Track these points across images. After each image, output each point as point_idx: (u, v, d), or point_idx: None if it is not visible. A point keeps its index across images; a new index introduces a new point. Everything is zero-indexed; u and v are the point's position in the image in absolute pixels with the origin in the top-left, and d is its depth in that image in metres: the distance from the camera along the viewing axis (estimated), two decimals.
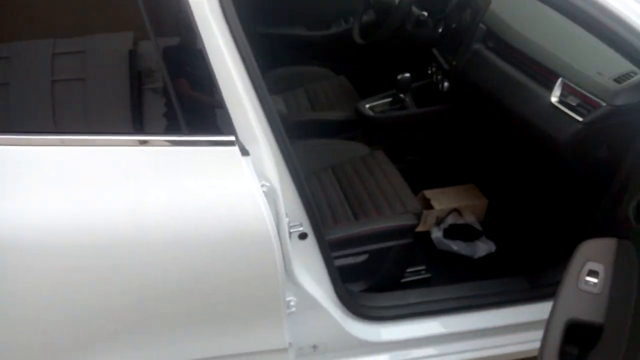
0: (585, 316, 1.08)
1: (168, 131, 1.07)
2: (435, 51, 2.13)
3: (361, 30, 2.54)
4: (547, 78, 1.55)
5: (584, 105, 1.43)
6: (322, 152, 2.01)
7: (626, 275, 1.11)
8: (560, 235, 1.83)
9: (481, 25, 1.86)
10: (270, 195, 1.12)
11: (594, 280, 1.13)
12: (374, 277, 1.67)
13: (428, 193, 2.20)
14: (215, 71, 1.04)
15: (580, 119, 1.43)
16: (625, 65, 1.41)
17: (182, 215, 1.05)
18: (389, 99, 2.25)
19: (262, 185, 1.10)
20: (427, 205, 2.17)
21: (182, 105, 1.05)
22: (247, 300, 1.19)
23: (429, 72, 2.19)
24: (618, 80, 1.39)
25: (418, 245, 2.03)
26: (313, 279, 1.36)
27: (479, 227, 2.11)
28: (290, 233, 1.22)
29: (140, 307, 1.12)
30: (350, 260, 1.61)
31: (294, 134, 2.25)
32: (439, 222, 2.13)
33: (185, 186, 1.04)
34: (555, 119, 1.48)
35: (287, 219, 1.20)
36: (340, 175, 1.88)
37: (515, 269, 1.73)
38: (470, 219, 2.14)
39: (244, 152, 1.06)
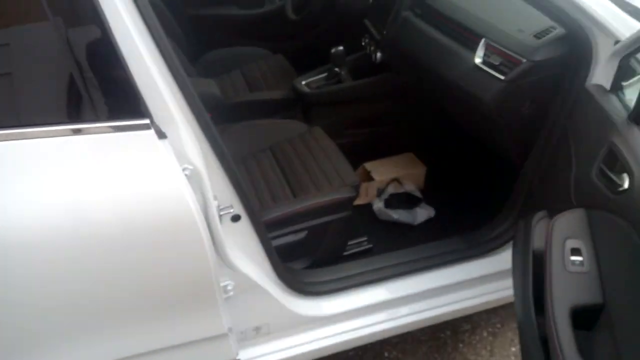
0: (585, 299, 1.08)
1: (80, 119, 1.02)
2: (367, 22, 2.13)
3: (293, 5, 2.51)
4: (471, 40, 1.58)
5: (506, 63, 1.46)
6: (260, 133, 1.99)
7: (609, 248, 1.12)
8: (494, 193, 1.90)
9: None
10: (194, 178, 1.10)
11: (579, 258, 1.14)
12: (315, 253, 1.69)
13: (368, 165, 2.22)
14: (124, 53, 1.00)
15: (502, 77, 1.46)
16: (545, 21, 1.45)
17: (101, 208, 1.01)
18: (325, 74, 2.24)
19: (185, 169, 1.07)
20: (368, 177, 2.20)
21: (91, 90, 1.01)
22: (179, 289, 1.18)
23: (363, 43, 2.19)
24: (538, 36, 1.43)
25: (360, 218, 2.07)
26: (250, 261, 1.36)
27: (418, 194, 2.16)
28: (220, 216, 1.21)
29: (68, 305, 1.08)
30: (290, 239, 1.62)
31: (232, 116, 2.23)
32: (379, 193, 2.16)
33: (101, 175, 1.01)
34: (479, 80, 1.52)
35: (216, 201, 1.19)
36: (278, 155, 1.88)
37: (453, 231, 1.79)
38: (410, 187, 2.19)
39: (161, 135, 1.03)
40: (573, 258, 1.13)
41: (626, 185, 1.08)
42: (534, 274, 1.27)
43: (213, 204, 1.15)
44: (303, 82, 2.22)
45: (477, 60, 1.53)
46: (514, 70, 1.45)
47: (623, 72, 1.28)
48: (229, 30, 2.78)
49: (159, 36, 1.04)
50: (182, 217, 1.05)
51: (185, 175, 1.06)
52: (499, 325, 2.03)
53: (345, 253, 1.83)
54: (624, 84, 1.29)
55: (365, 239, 1.93)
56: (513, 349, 1.95)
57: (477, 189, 2.18)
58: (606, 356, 1.02)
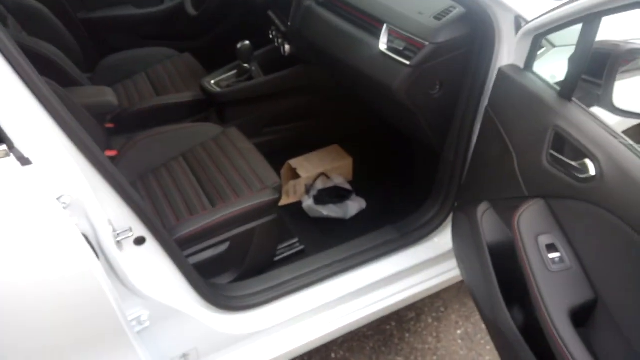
0: (579, 298, 1.02)
1: None
2: (271, 13, 2.02)
3: (192, 0, 2.34)
4: (374, 27, 1.51)
5: (410, 48, 1.40)
6: (170, 140, 1.83)
7: (590, 238, 1.05)
8: (421, 180, 1.86)
9: None
10: (75, 206, 0.94)
11: (557, 255, 1.07)
12: (243, 264, 1.57)
13: (293, 162, 2.12)
14: None
15: (407, 62, 1.40)
16: (444, 2, 1.41)
17: None
18: (234, 71, 2.11)
19: (62, 197, 0.92)
20: (294, 174, 2.10)
21: None
22: (84, 331, 1.02)
23: (270, 36, 2.07)
24: (438, 17, 1.38)
25: (291, 218, 1.96)
26: (165, 284, 1.22)
27: (347, 186, 2.08)
28: (118, 242, 1.06)
29: None
30: (211, 252, 1.49)
31: (139, 124, 2.05)
32: (308, 189, 2.07)
33: None
34: (386, 67, 1.45)
35: (111, 227, 1.04)
36: (192, 162, 1.73)
37: (386, 220, 1.72)
38: (338, 180, 2.11)
39: (24, 161, 0.87)
40: (551, 256, 1.06)
41: (592, 172, 1.02)
42: (495, 270, 1.22)
43: (106, 231, 1.01)
44: (212, 81, 2.07)
45: (382, 46, 1.46)
46: (418, 55, 1.39)
47: (535, 51, 1.25)
48: (128, 31, 2.57)
49: (7, 49, 0.88)
50: (65, 250, 0.90)
51: (64, 204, 0.91)
52: (442, 309, 2.00)
53: (276, 259, 1.72)
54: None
55: (296, 240, 1.83)
56: (459, 331, 1.92)
57: (405, 176, 2.14)
58: (614, 350, 0.97)
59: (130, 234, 1.08)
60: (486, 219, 1.33)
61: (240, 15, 2.37)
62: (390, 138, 2.14)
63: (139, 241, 1.13)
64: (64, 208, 0.91)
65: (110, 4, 2.52)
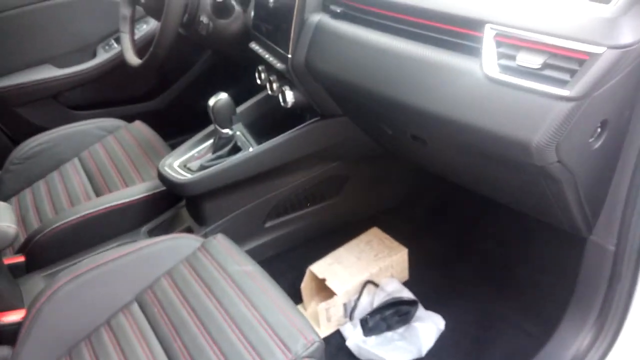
0: None
1: None
2: (256, 46, 1.29)
3: (138, 45, 1.60)
4: (461, 36, 0.80)
5: (560, 63, 0.70)
6: (117, 276, 1.06)
7: None
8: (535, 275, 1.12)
9: None
10: None
11: None
12: None
13: (318, 269, 1.35)
14: None
15: (564, 91, 0.69)
16: None
17: None
18: (209, 141, 1.36)
19: None
20: (322, 287, 1.33)
21: None
22: None
23: (259, 81, 1.34)
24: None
25: None
26: None
27: (408, 294, 1.32)
28: None
29: None
30: None
31: (66, 249, 1.29)
32: (349, 312, 1.30)
33: None
34: (503, 105, 0.75)
35: None
36: (158, 319, 0.96)
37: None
38: (392, 286, 1.34)
39: None
40: None
41: None
42: None
43: None
44: (176, 163, 1.32)
45: (491, 68, 0.76)
46: (584, 73, 0.68)
47: None
48: (49, 102, 1.82)
49: None
50: None
51: None
52: None
53: None
54: None
55: None
56: None
57: (499, 269, 1.40)
58: None
59: None
60: None
61: (210, 56, 1.66)
62: (459, 203, 1.41)
63: None
64: None
65: (18, 66, 1.76)
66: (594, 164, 0.85)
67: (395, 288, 1.34)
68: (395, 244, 1.42)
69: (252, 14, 1.34)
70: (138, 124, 1.69)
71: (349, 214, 1.46)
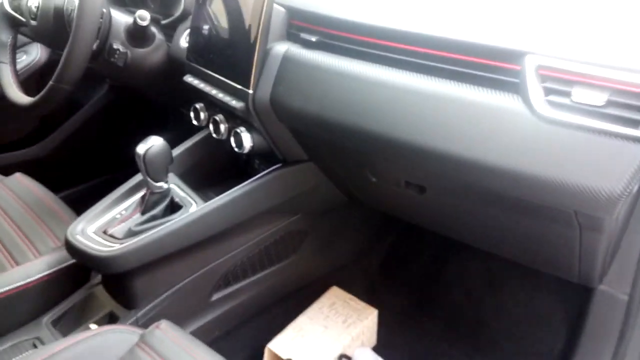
0: None
1: None
2: (194, 80, 1.05)
3: (27, 78, 1.26)
4: (491, 70, 0.68)
5: (626, 101, 0.60)
6: None
7: None
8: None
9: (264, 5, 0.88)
10: None
11: None
12: None
13: (279, 347, 1.11)
14: None
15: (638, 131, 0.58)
16: None
17: None
18: (134, 198, 1.06)
19: None
20: None
21: None
22: None
23: (196, 122, 1.10)
24: None
25: None
26: None
27: None
28: None
29: None
30: None
31: None
32: None
33: None
34: (563, 150, 0.63)
35: None
36: None
37: None
38: (365, 356, 1.15)
39: None
40: None
41: None
42: None
43: None
44: (91, 230, 1.00)
45: (541, 106, 0.64)
46: None
47: None
48: None
49: None
50: None
51: None
52: None
53: None
54: None
55: None
56: None
57: (465, 318, 1.29)
58: None
59: None
60: None
61: (106, 92, 1.36)
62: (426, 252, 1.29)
63: None
64: None
65: None
66: (625, 211, 0.77)
67: (369, 358, 1.15)
68: (361, 304, 1.23)
69: (184, 42, 1.10)
70: (19, 177, 1.32)
71: (305, 275, 1.25)
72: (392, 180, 0.91)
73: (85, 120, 1.56)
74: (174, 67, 1.13)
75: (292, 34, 0.91)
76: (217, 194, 1.07)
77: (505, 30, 0.69)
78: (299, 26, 0.89)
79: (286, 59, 0.88)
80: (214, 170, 1.17)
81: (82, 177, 1.60)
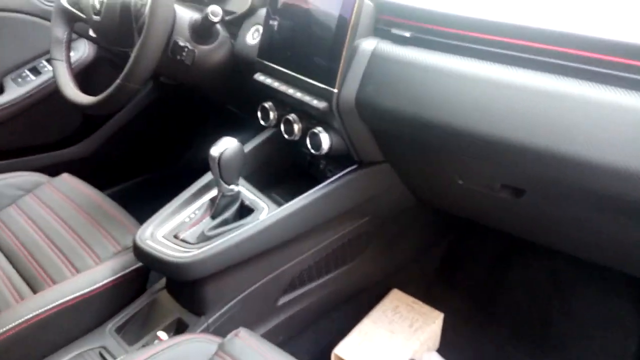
0: None
1: None
2: (267, 79, 1.00)
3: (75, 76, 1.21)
4: (626, 68, 0.65)
5: None
6: None
7: None
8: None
9: None
10: None
11: None
12: None
13: (346, 351, 1.08)
14: None
15: None
16: None
17: None
18: (202, 202, 1.02)
19: None
20: None
21: None
22: None
23: (264, 122, 1.06)
24: None
25: None
26: None
27: None
28: None
29: None
30: None
31: None
32: None
33: None
34: None
35: None
36: None
37: None
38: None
39: None
40: None
41: None
42: None
43: None
44: (161, 234, 0.96)
45: None
46: None
47: None
48: None
49: None
50: None
51: None
52: None
53: None
54: None
55: None
56: None
57: (530, 320, 1.26)
58: None
59: None
60: None
61: (153, 88, 1.33)
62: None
63: None
64: None
65: None
66: None
67: None
68: (426, 308, 1.20)
69: (252, 39, 1.06)
70: (67, 178, 1.28)
71: (367, 278, 1.22)
72: (484, 182, 0.87)
73: (130, 118, 1.52)
74: (239, 64, 1.09)
75: (379, 30, 0.87)
76: (284, 197, 1.04)
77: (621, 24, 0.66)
78: (389, 21, 0.86)
79: (375, 56, 0.84)
80: (277, 171, 1.13)
81: (126, 174, 1.56)
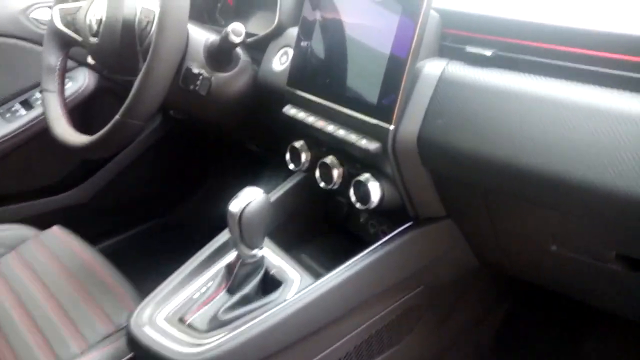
0: None
1: None
2: (299, 112, 0.80)
3: (71, 110, 1.03)
4: None
5: None
6: None
7: None
8: None
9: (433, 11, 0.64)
10: None
11: None
12: None
13: None
14: None
15: None
16: None
17: None
18: (215, 266, 0.81)
19: None
20: None
21: None
22: None
23: (293, 165, 0.85)
24: None
25: None
26: None
27: None
28: None
29: None
30: None
31: None
32: None
33: None
34: None
35: None
36: None
37: None
38: None
39: None
40: None
41: None
42: None
43: None
44: (161, 317, 0.74)
45: None
46: None
47: None
48: None
49: None
50: None
51: None
52: None
53: None
54: None
55: None
56: None
57: None
58: None
59: None
60: None
61: (160, 125, 1.16)
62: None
63: None
64: None
65: None
66: None
67: None
68: None
69: (279, 64, 0.87)
70: (57, 231, 1.08)
71: None
72: (592, 250, 0.65)
73: (133, 158, 1.33)
74: (263, 95, 0.89)
75: (447, 48, 0.67)
76: (318, 261, 0.82)
77: None
78: (460, 36, 0.66)
79: (444, 82, 0.64)
80: (307, 226, 0.92)
81: (128, 223, 1.37)
